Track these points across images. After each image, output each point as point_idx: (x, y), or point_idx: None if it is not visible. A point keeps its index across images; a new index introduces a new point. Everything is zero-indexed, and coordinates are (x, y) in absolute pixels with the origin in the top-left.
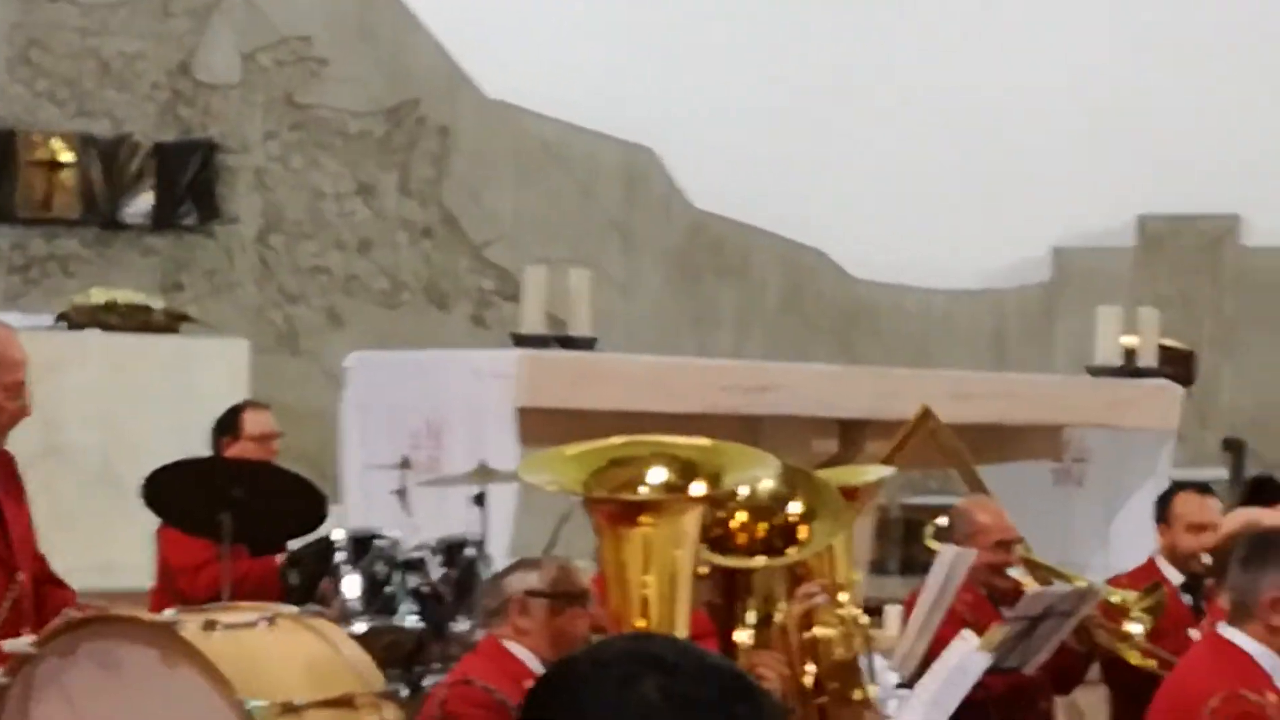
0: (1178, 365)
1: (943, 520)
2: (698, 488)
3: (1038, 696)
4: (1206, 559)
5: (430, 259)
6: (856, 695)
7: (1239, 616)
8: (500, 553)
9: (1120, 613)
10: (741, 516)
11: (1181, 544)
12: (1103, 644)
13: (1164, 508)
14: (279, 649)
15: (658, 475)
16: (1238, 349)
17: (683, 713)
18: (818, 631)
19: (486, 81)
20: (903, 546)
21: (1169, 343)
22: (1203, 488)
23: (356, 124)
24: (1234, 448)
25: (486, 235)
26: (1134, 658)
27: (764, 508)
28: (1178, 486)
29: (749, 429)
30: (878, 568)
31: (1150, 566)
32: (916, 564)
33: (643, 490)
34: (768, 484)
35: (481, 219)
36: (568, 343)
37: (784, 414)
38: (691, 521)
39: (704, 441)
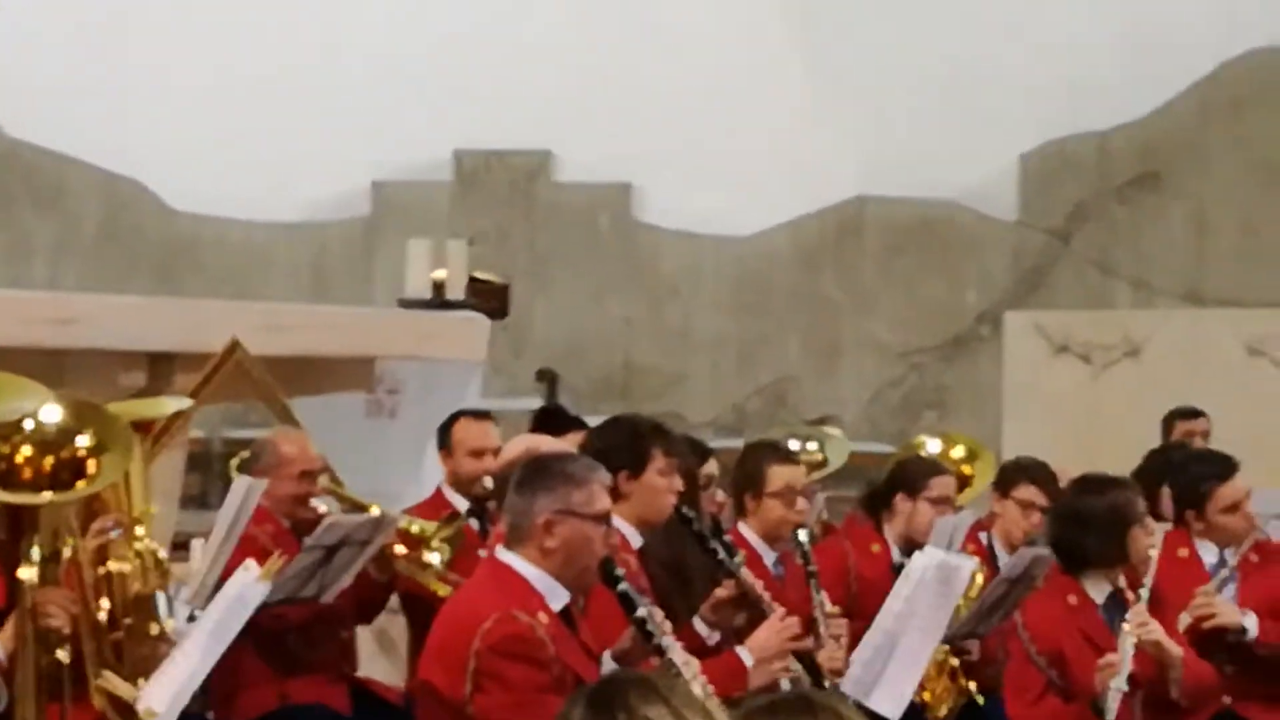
0: (491, 298)
1: (248, 453)
2: None
3: (338, 625)
4: (487, 483)
5: None
6: (153, 630)
7: (515, 539)
8: None
9: (420, 542)
10: (27, 450)
11: (463, 469)
12: (403, 573)
13: (445, 435)
14: None
15: None
16: (550, 282)
17: None
18: (112, 566)
19: None
20: (223, 480)
21: (483, 276)
22: (481, 414)
23: None
24: (547, 378)
25: None
26: (439, 587)
27: (51, 441)
28: (457, 415)
29: (54, 363)
30: (198, 502)
31: (439, 495)
32: None
33: None
34: (55, 417)
35: None
36: None
37: (90, 347)
38: None
39: None
